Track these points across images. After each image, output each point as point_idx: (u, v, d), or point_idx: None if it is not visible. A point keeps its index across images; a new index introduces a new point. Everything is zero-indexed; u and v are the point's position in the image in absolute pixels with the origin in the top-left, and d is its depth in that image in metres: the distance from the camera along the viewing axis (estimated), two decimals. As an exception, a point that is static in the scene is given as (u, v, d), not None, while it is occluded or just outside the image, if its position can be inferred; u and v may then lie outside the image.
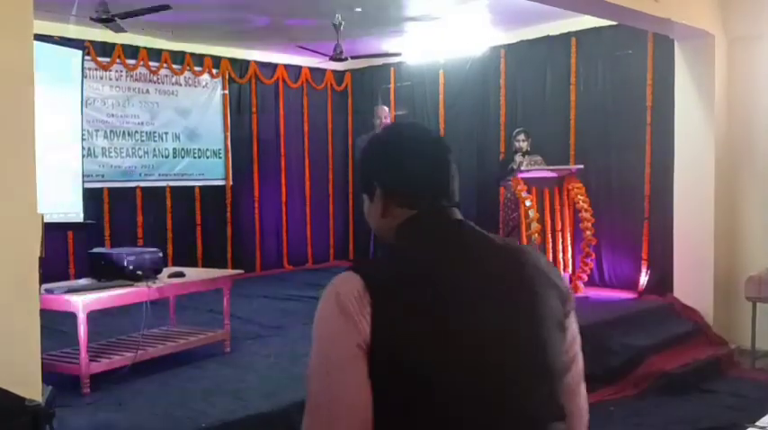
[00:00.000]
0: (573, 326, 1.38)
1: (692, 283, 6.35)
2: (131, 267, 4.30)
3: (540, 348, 1.28)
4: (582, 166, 6.76)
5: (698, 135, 6.30)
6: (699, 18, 6.01)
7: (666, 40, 6.46)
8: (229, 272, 5.38)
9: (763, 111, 6.22)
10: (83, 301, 3.91)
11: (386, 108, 6.96)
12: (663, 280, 6.63)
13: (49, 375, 3.47)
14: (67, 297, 3.94)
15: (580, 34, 7.22)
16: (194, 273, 4.87)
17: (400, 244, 1.35)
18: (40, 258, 2.97)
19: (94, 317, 4.07)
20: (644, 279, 6.77)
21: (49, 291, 3.92)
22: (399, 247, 1.35)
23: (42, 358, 2.97)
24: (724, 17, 6.28)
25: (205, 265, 7.78)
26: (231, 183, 8.51)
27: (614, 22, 6.52)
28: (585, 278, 6.75)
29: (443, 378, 1.19)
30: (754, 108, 6.27)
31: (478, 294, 1.26)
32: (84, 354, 3.89)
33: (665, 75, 6.59)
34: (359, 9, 6.59)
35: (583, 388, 1.43)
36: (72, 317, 3.96)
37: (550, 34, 7.43)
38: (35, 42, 2.80)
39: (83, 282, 4.40)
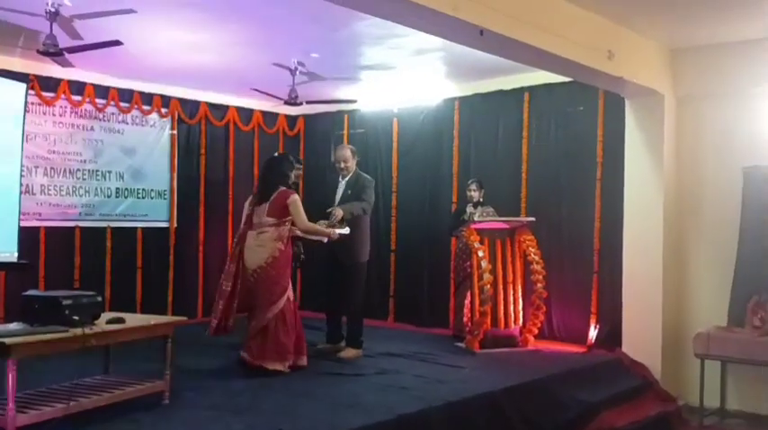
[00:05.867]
0: None
1: (641, 338, 6.37)
2: (67, 311, 4.03)
3: None
4: (533, 219, 6.79)
5: (647, 191, 6.41)
6: (649, 77, 6.17)
7: (617, 98, 6.61)
8: (172, 318, 5.14)
9: (711, 169, 6.40)
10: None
11: (348, 151, 6.24)
12: (612, 334, 6.64)
13: (-31, 428, 3.19)
14: (-4, 342, 3.65)
15: (533, 89, 7.34)
16: (135, 319, 4.62)
17: None
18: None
19: (25, 363, 3.78)
20: (593, 333, 6.77)
21: (-24, 336, 3.64)
22: None
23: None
24: (673, 77, 6.48)
25: (144, 310, 7.47)
26: (176, 225, 8.26)
27: (566, 79, 6.65)
28: (536, 331, 6.70)
29: None
30: (701, 165, 6.45)
31: None
32: (11, 405, 3.59)
33: (615, 131, 6.72)
34: (315, 55, 6.55)
35: None
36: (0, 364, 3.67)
37: (504, 88, 7.54)
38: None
39: (13, 326, 4.09)
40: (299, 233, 5.60)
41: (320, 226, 5.71)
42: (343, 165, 6.18)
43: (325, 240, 5.77)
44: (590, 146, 6.94)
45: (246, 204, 5.58)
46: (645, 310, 6.36)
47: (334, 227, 5.76)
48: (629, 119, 6.56)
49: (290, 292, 5.39)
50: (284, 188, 5.41)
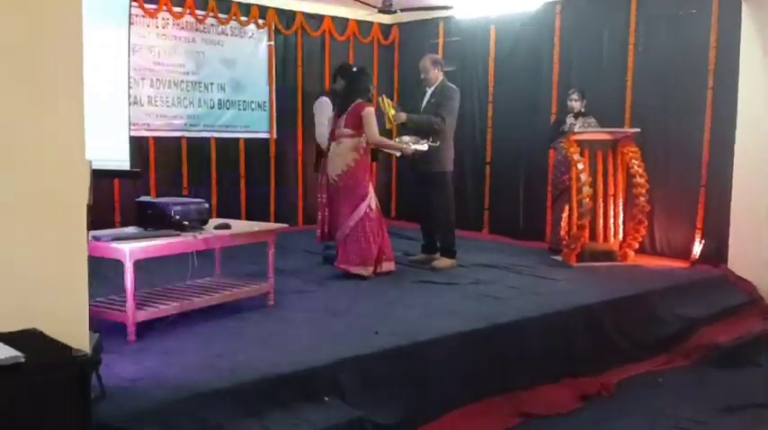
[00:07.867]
0: None
1: (748, 255, 6.13)
2: (178, 217, 4.26)
3: None
4: (638, 130, 6.51)
5: (763, 101, 6.00)
6: (772, -25, 5.67)
7: (732, 0, 6.12)
8: (274, 225, 5.32)
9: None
10: (130, 249, 3.88)
11: (427, 61, 6.15)
12: (717, 250, 6.41)
13: (95, 322, 3.47)
14: (115, 245, 3.92)
15: (642, -9, 6.90)
16: (240, 226, 4.83)
17: None
18: (89, 206, 2.92)
19: (140, 265, 4.04)
20: (697, 248, 6.54)
21: (96, 239, 3.91)
22: None
23: (89, 305, 2.95)
24: (800, -25, 5.93)
25: (248, 218, 7.76)
26: (275, 136, 8.43)
27: (679, -21, 6.21)
28: (636, 246, 6.54)
29: None
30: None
31: None
32: (131, 302, 3.89)
33: (729, 36, 6.27)
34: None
35: None
36: (118, 265, 3.94)
37: (610, -9, 7.13)
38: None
39: (129, 230, 4.38)
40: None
41: (400, 142, 5.86)
42: (423, 75, 6.16)
43: (398, 154, 6.03)
44: (702, 52, 6.49)
45: (330, 118, 5.84)
46: (754, 226, 6.08)
47: (417, 143, 5.83)
48: (746, 22, 6.09)
49: (370, 201, 5.61)
50: (361, 101, 5.60)
